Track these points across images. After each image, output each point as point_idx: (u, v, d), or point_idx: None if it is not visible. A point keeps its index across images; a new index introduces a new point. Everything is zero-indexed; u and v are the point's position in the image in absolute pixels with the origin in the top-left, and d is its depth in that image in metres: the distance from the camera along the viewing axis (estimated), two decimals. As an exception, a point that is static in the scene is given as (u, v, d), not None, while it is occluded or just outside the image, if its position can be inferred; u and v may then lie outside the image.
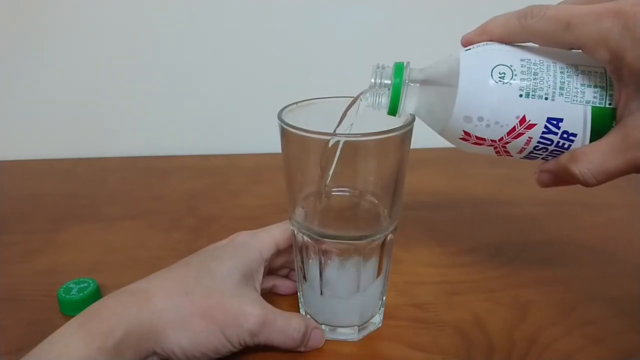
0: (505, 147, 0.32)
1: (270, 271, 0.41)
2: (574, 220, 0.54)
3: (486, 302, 0.41)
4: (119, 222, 0.55)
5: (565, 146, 0.30)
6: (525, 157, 0.33)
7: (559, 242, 0.50)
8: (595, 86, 0.29)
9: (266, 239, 0.38)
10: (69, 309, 0.39)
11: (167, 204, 0.59)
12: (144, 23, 0.68)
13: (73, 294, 0.40)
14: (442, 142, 0.35)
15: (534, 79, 0.29)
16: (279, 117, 0.33)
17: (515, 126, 0.30)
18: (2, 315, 0.40)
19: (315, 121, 0.32)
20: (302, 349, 0.36)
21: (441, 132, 0.33)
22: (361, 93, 0.34)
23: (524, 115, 0.30)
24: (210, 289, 0.33)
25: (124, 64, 0.70)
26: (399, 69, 0.33)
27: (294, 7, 0.68)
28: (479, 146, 0.32)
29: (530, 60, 0.30)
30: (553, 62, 0.30)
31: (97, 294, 0.40)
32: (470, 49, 0.32)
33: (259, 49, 0.70)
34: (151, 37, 0.69)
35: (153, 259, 0.47)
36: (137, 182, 0.65)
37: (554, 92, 0.29)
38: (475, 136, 0.31)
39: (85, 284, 0.41)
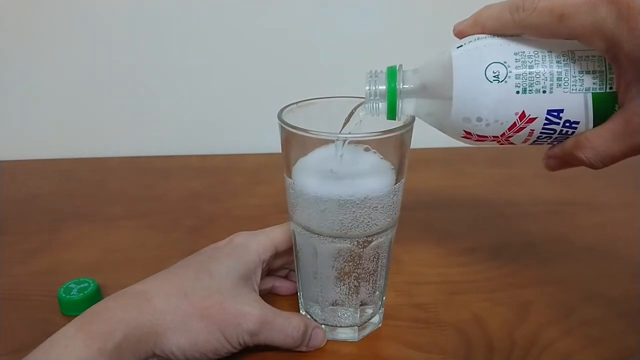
0: (508, 140, 0.31)
1: (269, 272, 0.41)
2: (574, 220, 0.54)
3: (486, 302, 0.41)
4: (119, 222, 0.55)
5: (569, 133, 0.30)
6: (530, 145, 0.33)
7: (558, 242, 0.50)
8: (594, 72, 0.29)
9: (264, 240, 0.38)
10: (70, 309, 0.40)
11: (167, 204, 0.59)
12: (144, 23, 0.68)
13: (73, 294, 0.40)
14: (442, 142, 0.35)
15: (529, 74, 0.29)
16: (279, 117, 0.33)
17: (515, 122, 0.30)
18: (2, 315, 0.40)
19: (315, 121, 0.32)
20: (303, 349, 0.36)
21: (443, 131, 0.33)
22: (358, 106, 0.34)
23: (523, 111, 0.29)
24: (209, 289, 0.33)
25: (124, 64, 0.70)
26: (392, 73, 0.32)
27: (294, 7, 0.68)
28: (482, 142, 0.32)
29: (524, 52, 0.29)
30: (549, 52, 0.29)
31: (97, 294, 0.40)
32: (461, 45, 0.31)
33: (259, 49, 0.70)
34: (151, 37, 0.69)
35: (153, 259, 0.47)
36: (137, 182, 0.65)
37: (551, 84, 0.29)
38: (477, 135, 0.31)
39: (86, 284, 0.41)
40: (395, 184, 0.33)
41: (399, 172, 0.33)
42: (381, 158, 0.34)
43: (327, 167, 0.33)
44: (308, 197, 0.33)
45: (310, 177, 0.33)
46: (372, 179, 0.33)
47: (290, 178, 0.34)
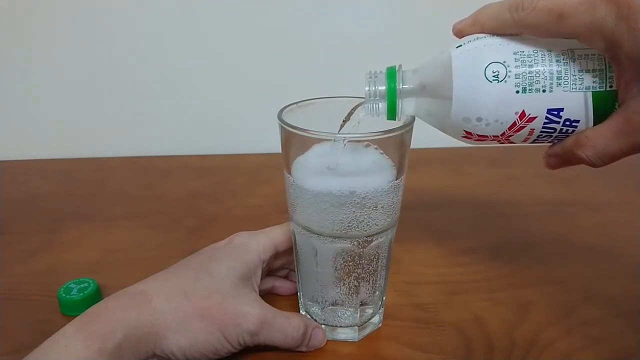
0: (509, 139, 0.32)
1: (269, 272, 0.41)
2: (574, 220, 0.54)
3: (486, 302, 0.41)
4: (119, 222, 0.55)
5: (569, 131, 0.30)
6: (530, 144, 0.33)
7: (558, 242, 0.50)
8: (593, 70, 0.29)
9: (264, 240, 0.38)
10: (70, 309, 0.40)
11: (167, 204, 0.59)
12: (144, 23, 0.68)
13: (73, 294, 0.40)
14: (442, 142, 0.35)
15: (529, 73, 0.29)
16: (279, 117, 0.33)
17: (515, 121, 0.30)
18: (2, 315, 0.40)
19: (315, 121, 0.32)
20: (303, 349, 0.36)
21: (443, 131, 0.33)
22: (357, 106, 0.34)
23: (523, 110, 0.29)
24: (209, 289, 0.33)
25: (124, 63, 0.70)
26: (392, 73, 0.32)
27: (294, 7, 0.68)
28: (483, 142, 0.32)
29: (524, 52, 0.29)
30: (548, 51, 0.29)
31: (97, 294, 0.40)
32: (461, 45, 0.31)
33: (259, 49, 0.70)
34: (151, 37, 0.69)
35: (153, 259, 0.47)
36: (137, 182, 0.65)
37: (551, 84, 0.29)
38: (477, 135, 0.31)
39: (86, 284, 0.41)
40: (396, 180, 0.33)
41: (399, 172, 0.33)
42: (381, 153, 0.33)
43: (327, 164, 0.33)
44: (308, 195, 0.33)
45: (310, 173, 0.33)
46: (372, 176, 0.33)
47: (290, 176, 0.34)
